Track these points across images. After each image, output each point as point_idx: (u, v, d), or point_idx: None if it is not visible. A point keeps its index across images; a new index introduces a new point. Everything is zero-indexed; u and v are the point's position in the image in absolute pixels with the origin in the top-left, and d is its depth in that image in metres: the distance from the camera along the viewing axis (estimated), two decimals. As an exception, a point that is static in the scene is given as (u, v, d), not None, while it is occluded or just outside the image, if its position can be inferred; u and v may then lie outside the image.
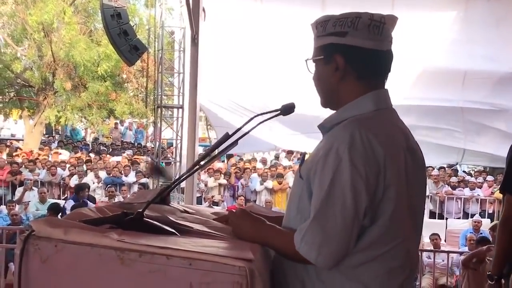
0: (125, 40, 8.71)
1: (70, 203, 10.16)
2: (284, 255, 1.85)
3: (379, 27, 1.82)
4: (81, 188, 11.12)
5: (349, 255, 1.73)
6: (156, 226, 1.82)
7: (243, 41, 7.32)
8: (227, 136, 1.99)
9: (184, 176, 2.14)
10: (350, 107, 1.86)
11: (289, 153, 16.43)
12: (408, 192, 1.81)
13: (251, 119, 2.02)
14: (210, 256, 1.60)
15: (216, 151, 2.10)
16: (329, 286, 1.78)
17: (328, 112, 2.00)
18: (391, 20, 1.86)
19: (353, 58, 1.84)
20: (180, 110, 9.95)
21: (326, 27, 1.85)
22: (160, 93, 10.34)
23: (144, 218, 1.83)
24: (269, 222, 1.94)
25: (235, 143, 1.99)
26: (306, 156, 1.97)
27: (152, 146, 14.98)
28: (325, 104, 1.99)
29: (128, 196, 11.69)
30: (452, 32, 6.74)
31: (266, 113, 2.04)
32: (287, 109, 2.03)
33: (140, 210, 1.84)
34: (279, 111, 2.03)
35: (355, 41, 1.81)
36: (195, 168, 2.17)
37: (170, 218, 1.97)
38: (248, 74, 7.69)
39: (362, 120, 1.79)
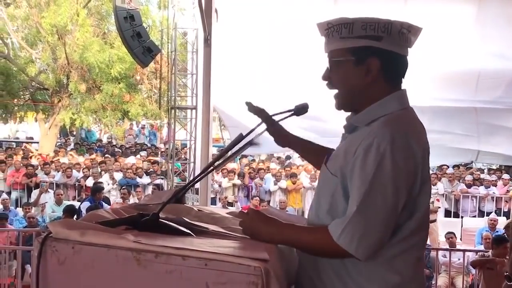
0: (139, 42, 8.74)
1: (86, 204, 10.20)
2: (315, 250, 1.88)
3: (406, 34, 1.89)
4: (98, 189, 11.17)
5: (387, 247, 1.81)
6: (171, 227, 1.84)
7: (256, 41, 7.31)
8: (241, 137, 2.00)
9: (199, 177, 2.14)
10: (377, 106, 1.90)
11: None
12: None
13: (265, 119, 2.03)
14: (226, 256, 1.61)
15: (230, 152, 2.11)
16: (367, 277, 1.84)
17: (341, 113, 2.00)
18: (416, 31, 1.92)
19: (387, 61, 1.89)
20: (194, 111, 9.93)
21: (352, 29, 1.86)
22: (173, 94, 10.34)
23: (160, 219, 1.84)
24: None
25: (249, 143, 2.00)
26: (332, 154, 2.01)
27: (166, 147, 15.01)
28: (344, 105, 1.99)
29: (143, 197, 11.70)
30: (465, 31, 6.68)
31: (280, 113, 2.05)
32: (300, 110, 2.04)
33: (156, 211, 1.85)
34: (293, 111, 2.04)
35: (389, 45, 1.87)
36: (210, 169, 2.18)
37: (185, 219, 1.98)
38: (261, 74, 7.68)
39: (397, 119, 1.86)
